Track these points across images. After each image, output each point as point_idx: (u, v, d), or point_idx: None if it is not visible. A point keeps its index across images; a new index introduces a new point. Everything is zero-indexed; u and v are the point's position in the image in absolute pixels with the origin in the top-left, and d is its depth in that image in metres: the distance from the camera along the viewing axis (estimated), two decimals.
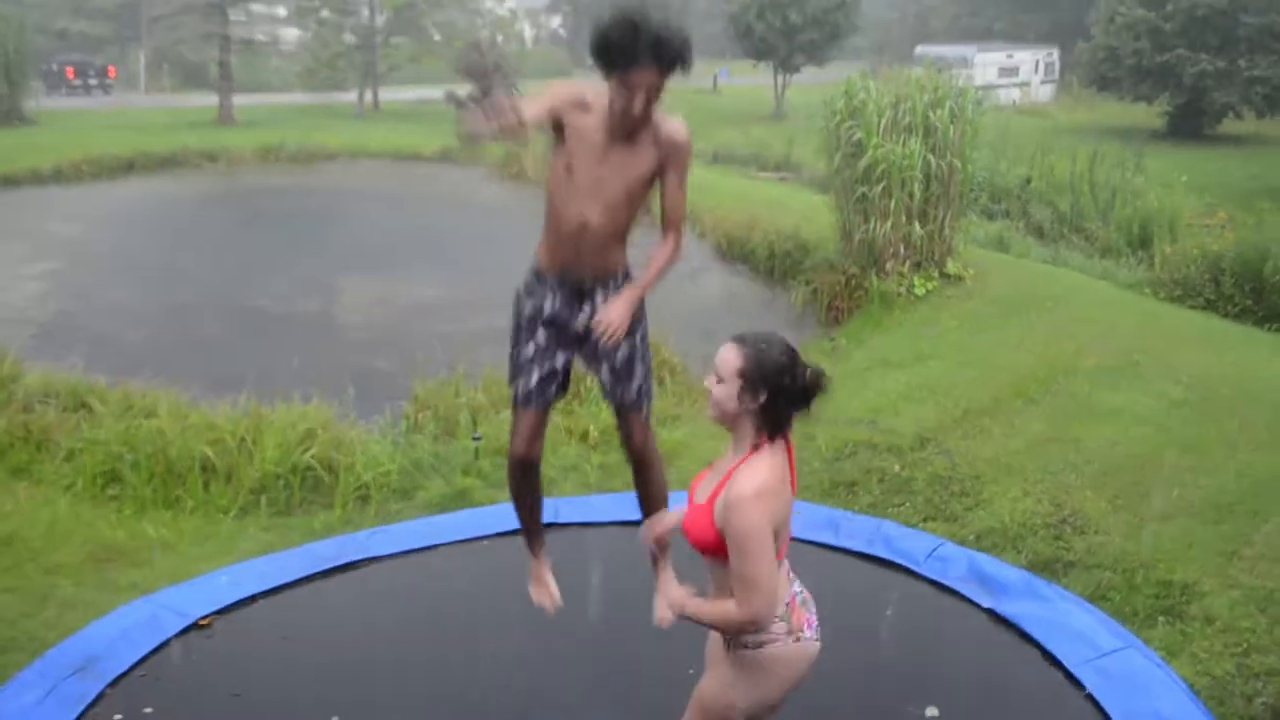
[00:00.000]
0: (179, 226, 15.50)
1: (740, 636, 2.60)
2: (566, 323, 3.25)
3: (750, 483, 2.51)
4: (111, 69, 39.78)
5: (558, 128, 3.11)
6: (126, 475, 6.02)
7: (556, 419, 7.13)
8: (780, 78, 34.07)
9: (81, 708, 3.58)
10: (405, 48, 33.48)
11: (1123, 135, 24.16)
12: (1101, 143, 20.06)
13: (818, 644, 2.69)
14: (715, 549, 2.56)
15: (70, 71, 37.63)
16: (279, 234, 14.48)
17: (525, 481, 3.42)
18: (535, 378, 3.25)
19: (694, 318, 10.10)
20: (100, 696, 3.66)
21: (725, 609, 2.56)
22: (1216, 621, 4.37)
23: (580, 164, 3.08)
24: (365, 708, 3.64)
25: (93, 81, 37.95)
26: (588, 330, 3.22)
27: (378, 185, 18.76)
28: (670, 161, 3.16)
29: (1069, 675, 3.77)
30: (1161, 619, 4.41)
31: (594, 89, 3.09)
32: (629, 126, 3.05)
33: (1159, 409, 6.84)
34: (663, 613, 3.23)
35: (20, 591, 4.78)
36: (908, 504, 5.67)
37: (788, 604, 2.63)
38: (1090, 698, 3.62)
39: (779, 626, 2.60)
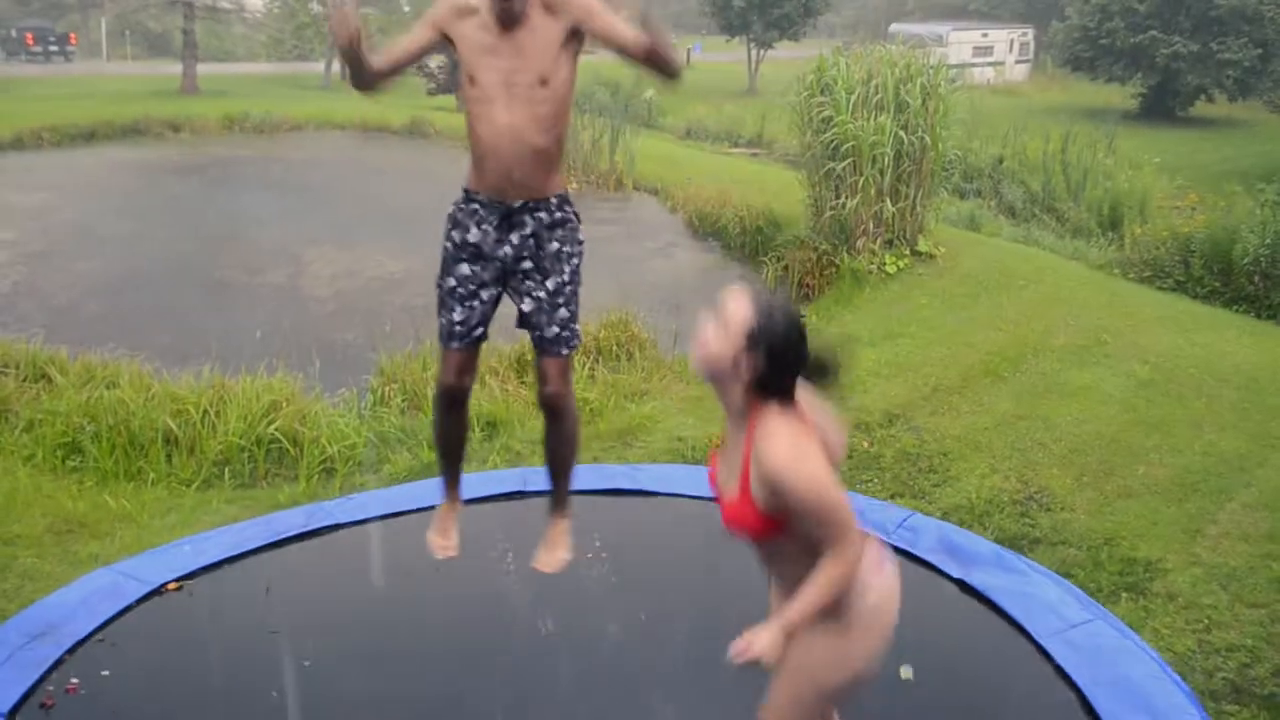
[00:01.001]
0: (141, 196, 15.25)
1: (846, 597, 2.39)
2: (492, 252, 3.02)
3: (778, 450, 2.31)
4: (73, 36, 39.08)
5: (452, 43, 2.94)
6: (88, 447, 5.93)
7: (524, 392, 7.09)
8: (754, 53, 33.98)
9: (39, 673, 3.53)
10: (373, 19, 33.09)
11: (1096, 116, 24.28)
12: (1074, 123, 20.15)
13: (895, 564, 2.56)
14: (774, 532, 2.39)
15: (30, 38, 36.91)
16: (244, 204, 14.28)
17: (451, 414, 3.21)
18: (458, 313, 3.04)
19: (664, 293, 10.08)
20: (59, 662, 3.61)
21: (822, 581, 2.33)
22: (1179, 598, 4.41)
23: (482, 67, 2.89)
24: (333, 672, 3.60)
25: (53, 49, 37.24)
26: (516, 259, 3.02)
27: (345, 156, 18.56)
28: (579, 16, 2.92)
29: (1037, 645, 3.81)
30: (1125, 595, 4.44)
31: None
32: (515, 6, 2.85)
33: (1126, 388, 6.89)
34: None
35: None
36: (875, 480, 5.68)
37: None
38: (1058, 668, 3.66)
39: (867, 564, 2.43)
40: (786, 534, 2.39)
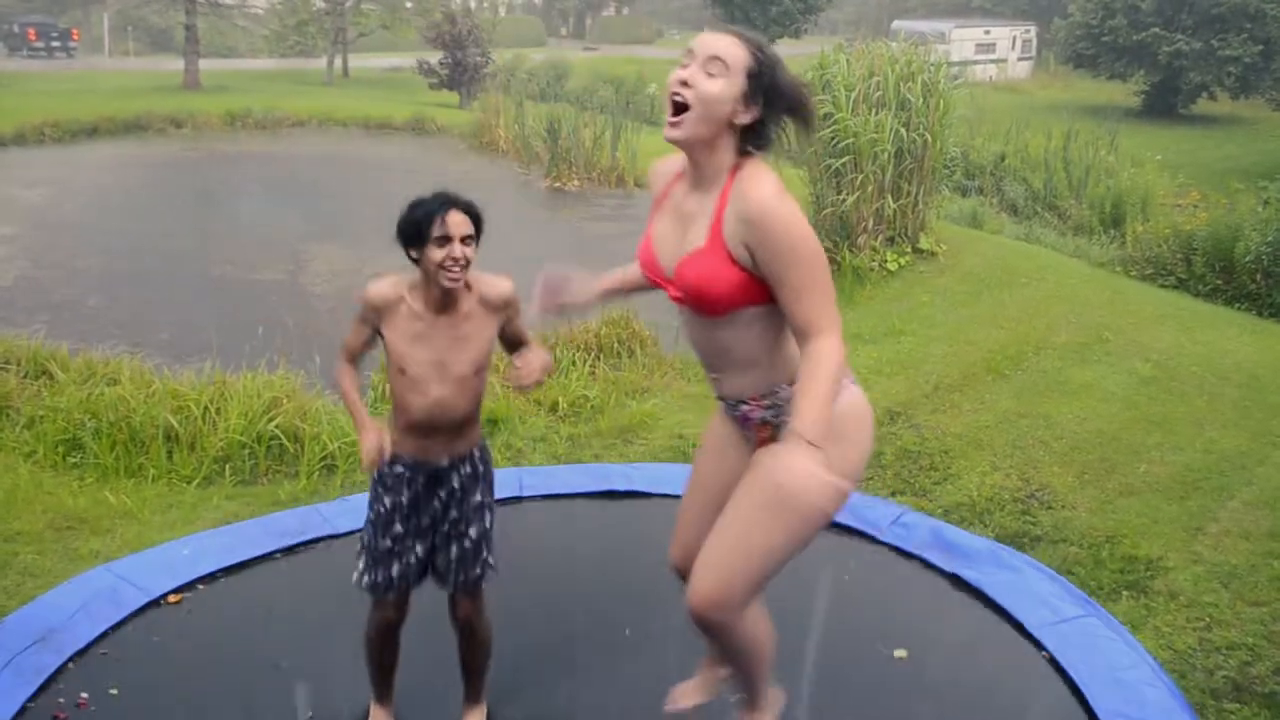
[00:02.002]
0: (143, 192, 15.27)
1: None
2: (424, 510, 3.12)
3: (765, 186, 2.07)
4: (75, 31, 39.08)
5: (380, 333, 3.04)
6: (88, 443, 5.92)
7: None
8: None
9: (40, 681, 3.51)
10: (376, 15, 33.12)
11: (1098, 113, 24.28)
12: (1076, 120, 20.13)
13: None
14: (740, 295, 2.13)
15: (32, 33, 36.94)
16: (245, 201, 14.29)
17: (390, 644, 3.24)
18: (395, 569, 3.10)
19: None
20: (60, 670, 3.59)
21: (826, 365, 2.04)
22: (1180, 596, 4.40)
23: (411, 355, 2.96)
24: (332, 684, 3.59)
25: (55, 44, 37.27)
26: (444, 513, 3.12)
27: (346, 153, 18.56)
28: (508, 316, 3.07)
29: (1030, 636, 3.83)
30: (1126, 593, 4.44)
31: (392, 280, 2.99)
32: (451, 298, 2.94)
33: (1128, 386, 6.89)
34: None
35: None
36: (876, 478, 5.68)
37: None
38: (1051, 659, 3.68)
39: None
40: (753, 300, 2.16)
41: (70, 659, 3.65)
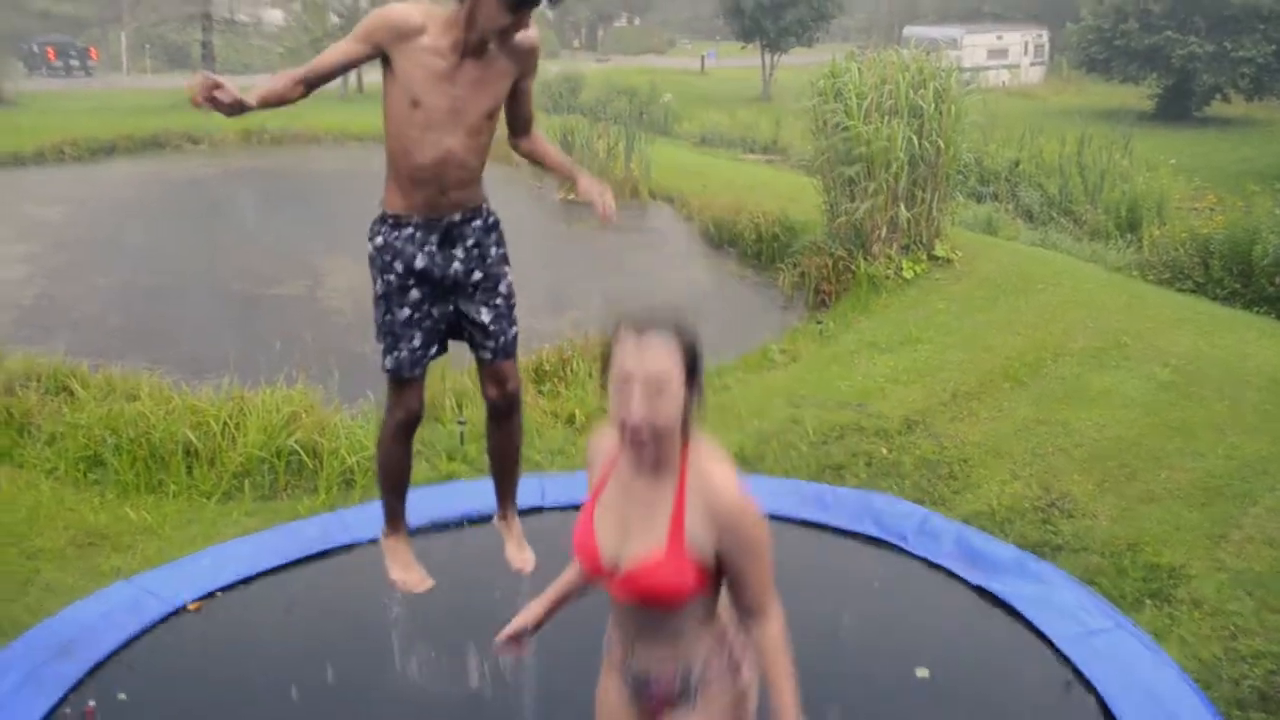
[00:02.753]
0: (161, 209, 15.37)
1: (736, 674, 2.21)
2: (442, 272, 2.94)
3: (731, 482, 2.05)
4: (93, 50, 39.41)
5: (385, 60, 2.82)
6: (109, 459, 5.96)
7: (541, 402, 7.10)
8: (768, 59, 33.96)
9: (61, 693, 3.54)
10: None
11: (1111, 117, 24.19)
12: (1090, 125, 20.05)
13: None
14: (693, 593, 2.10)
15: (51, 53, 37.28)
16: (262, 216, 14.36)
17: (407, 444, 3.11)
18: (418, 341, 2.95)
19: (680, 302, 10.06)
20: (80, 682, 3.61)
21: (781, 648, 2.11)
22: (1204, 605, 4.37)
23: (428, 92, 2.76)
24: (353, 697, 3.60)
25: (74, 63, 37.61)
26: (466, 273, 2.95)
27: (362, 167, 18.60)
28: (527, 69, 2.92)
29: (1057, 650, 3.79)
30: (1149, 602, 4.40)
31: (419, 7, 2.78)
32: (492, 42, 2.77)
33: (1147, 391, 6.84)
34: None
35: (1, 576, 4.73)
36: (895, 487, 5.66)
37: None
38: (1079, 673, 3.64)
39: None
40: (705, 592, 2.14)
41: (90, 670, 3.68)
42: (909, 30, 35.98)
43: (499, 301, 3.00)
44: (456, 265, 2.94)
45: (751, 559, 2.09)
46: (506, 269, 3.03)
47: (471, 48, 2.75)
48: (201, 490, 5.79)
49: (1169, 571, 4.62)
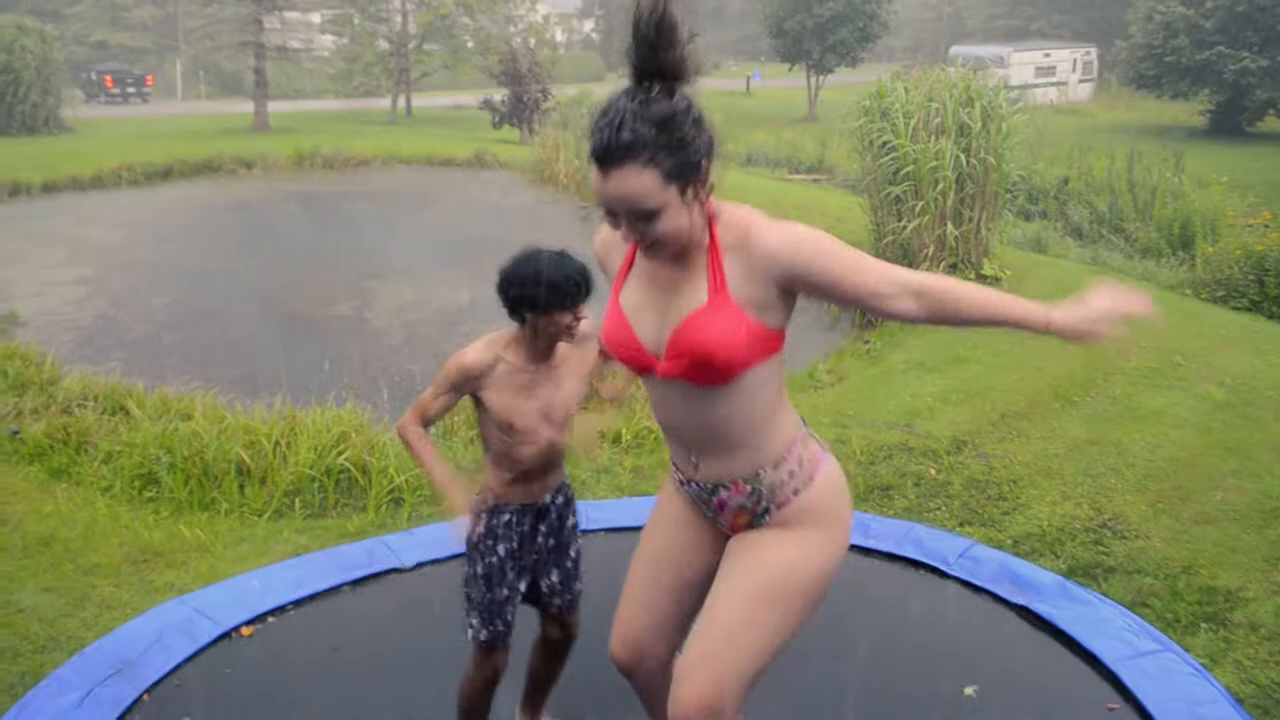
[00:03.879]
0: (215, 232, 15.68)
1: (792, 484, 2.14)
2: (530, 552, 3.15)
3: (764, 222, 1.97)
4: (149, 78, 40.41)
5: (474, 397, 3.02)
6: (163, 477, 6.07)
7: (592, 420, 7.12)
8: (813, 79, 33.97)
9: (118, 713, 3.60)
10: (438, 54, 33.75)
11: (1162, 134, 23.84)
12: (1140, 142, 19.79)
13: None
14: (749, 348, 1.98)
15: (109, 80, 38.32)
16: (313, 239, 14.60)
17: (490, 699, 3.19)
18: (510, 615, 3.11)
19: None
20: (136, 703, 3.68)
21: (960, 289, 2.10)
22: (1261, 629, 4.27)
23: (518, 413, 2.96)
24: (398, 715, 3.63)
25: (131, 90, 38.62)
26: (544, 548, 3.15)
27: (411, 190, 18.88)
28: (589, 350, 3.08)
29: (1107, 671, 3.74)
30: (1204, 626, 4.31)
31: (486, 342, 2.97)
32: (554, 347, 2.98)
33: (1201, 411, 6.73)
34: None
35: (59, 591, 4.82)
36: (943, 508, 5.60)
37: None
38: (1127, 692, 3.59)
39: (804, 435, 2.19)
40: (766, 353, 2.02)
41: (146, 691, 3.74)
42: (955, 49, 35.80)
43: (569, 564, 3.21)
44: (539, 539, 3.16)
45: (836, 266, 1.98)
46: (577, 536, 3.24)
47: (543, 355, 2.97)
48: (253, 508, 5.87)
49: (1225, 594, 4.53)
